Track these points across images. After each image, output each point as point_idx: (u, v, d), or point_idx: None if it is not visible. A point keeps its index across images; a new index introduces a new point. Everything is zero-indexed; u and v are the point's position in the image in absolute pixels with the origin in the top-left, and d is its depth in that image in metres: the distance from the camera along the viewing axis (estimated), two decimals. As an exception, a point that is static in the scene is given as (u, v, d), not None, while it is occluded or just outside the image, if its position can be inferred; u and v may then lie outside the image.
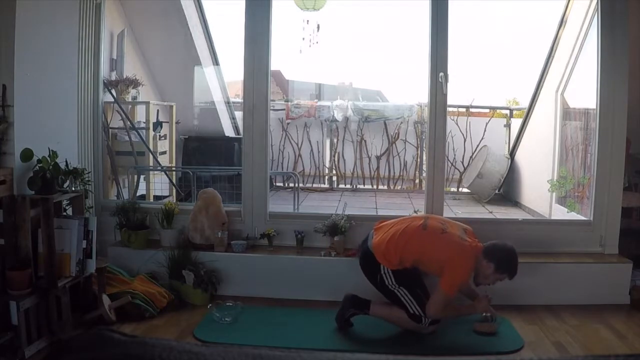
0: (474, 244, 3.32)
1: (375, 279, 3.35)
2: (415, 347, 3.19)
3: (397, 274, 3.29)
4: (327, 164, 8.06)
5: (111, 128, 5.47)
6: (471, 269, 3.28)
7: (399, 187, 7.87)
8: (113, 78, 5.68)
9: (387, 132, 7.84)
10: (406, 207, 6.41)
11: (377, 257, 3.32)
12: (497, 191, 7.17)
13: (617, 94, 4.00)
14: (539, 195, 6.05)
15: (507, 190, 7.27)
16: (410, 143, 7.81)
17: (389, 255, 3.29)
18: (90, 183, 3.83)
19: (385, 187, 7.89)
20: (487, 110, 7.84)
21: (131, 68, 6.02)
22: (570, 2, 5.53)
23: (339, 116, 7.75)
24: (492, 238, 4.10)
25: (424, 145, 7.25)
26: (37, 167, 3.26)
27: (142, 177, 5.77)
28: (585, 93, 4.74)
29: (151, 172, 5.81)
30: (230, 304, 3.55)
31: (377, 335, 3.37)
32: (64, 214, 3.42)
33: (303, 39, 5.96)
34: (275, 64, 4.30)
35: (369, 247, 3.41)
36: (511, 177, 7.09)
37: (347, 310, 3.39)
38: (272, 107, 4.93)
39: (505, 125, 7.67)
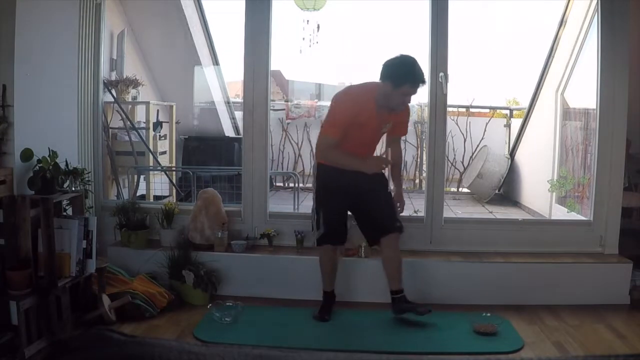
0: (358, 84, 3.40)
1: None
2: (416, 347, 3.19)
3: (319, 174, 3.44)
4: (327, 164, 8.05)
5: (111, 128, 5.48)
6: (345, 106, 3.29)
7: (399, 187, 7.86)
8: (113, 78, 5.68)
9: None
10: (406, 207, 6.39)
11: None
12: (497, 191, 7.17)
13: (617, 94, 4.00)
14: (539, 195, 6.05)
15: (507, 190, 7.27)
16: (410, 143, 7.80)
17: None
18: (90, 183, 3.83)
19: (385, 187, 7.87)
20: (487, 110, 7.84)
21: (131, 68, 6.02)
22: (570, 2, 5.53)
23: (339, 116, 7.74)
24: (493, 239, 4.14)
25: (424, 145, 7.24)
26: (37, 167, 3.26)
27: (142, 177, 5.77)
28: (585, 93, 4.74)
29: (151, 172, 5.81)
30: (230, 304, 3.55)
31: (377, 335, 3.37)
32: (64, 214, 3.42)
33: (303, 39, 5.96)
34: (275, 64, 4.30)
35: None
36: (511, 177, 7.09)
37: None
38: (272, 107, 4.92)
39: (505, 125, 7.66)
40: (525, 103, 7.15)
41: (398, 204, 3.63)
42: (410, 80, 3.20)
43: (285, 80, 8.86)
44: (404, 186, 8.12)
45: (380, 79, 3.27)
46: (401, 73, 3.20)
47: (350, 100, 3.29)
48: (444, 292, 3.82)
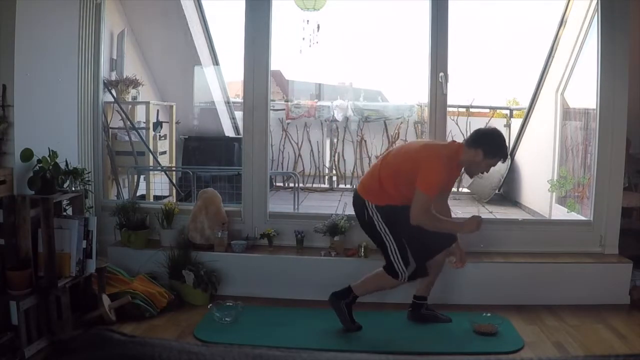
0: (447, 144, 3.39)
1: (364, 220, 3.38)
2: (416, 347, 3.19)
3: (383, 212, 3.29)
4: (327, 164, 8.05)
5: (111, 128, 5.47)
6: (445, 166, 3.25)
7: (399, 187, 7.86)
8: (113, 78, 5.68)
9: (387, 132, 7.83)
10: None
11: (361, 194, 3.39)
12: (497, 191, 7.16)
13: (617, 94, 4.00)
14: (539, 195, 6.05)
15: (507, 190, 7.27)
16: (410, 143, 7.81)
17: (369, 185, 3.38)
18: (90, 183, 3.83)
19: (385, 187, 7.87)
20: (487, 110, 7.84)
21: (131, 68, 6.02)
22: (570, 2, 5.53)
23: (339, 116, 7.75)
24: (493, 239, 4.13)
25: (424, 145, 7.23)
26: (37, 167, 3.26)
27: (142, 177, 5.77)
28: (585, 93, 4.74)
29: (151, 172, 5.81)
30: (230, 304, 3.55)
31: (377, 335, 3.37)
32: (64, 214, 3.42)
33: (303, 39, 5.96)
34: (275, 64, 4.31)
35: (356, 191, 3.48)
36: (511, 177, 7.08)
37: (340, 308, 3.37)
38: (272, 107, 4.92)
39: (505, 125, 7.66)
40: (525, 103, 7.15)
41: (460, 258, 3.50)
42: (502, 155, 3.33)
43: (285, 80, 8.86)
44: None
45: (471, 145, 3.29)
46: (497, 147, 3.30)
47: (448, 165, 3.28)
48: (444, 292, 3.82)
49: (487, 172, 3.43)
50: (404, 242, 3.29)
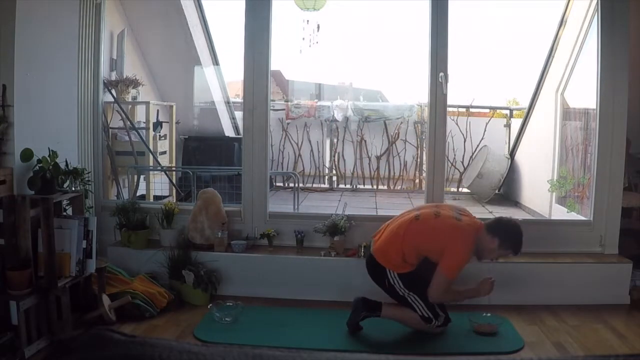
0: (471, 222, 3.34)
1: (384, 285, 3.35)
2: (416, 347, 3.19)
3: (405, 278, 3.28)
4: (327, 164, 8.06)
5: (111, 128, 5.48)
6: (471, 249, 3.26)
7: (399, 187, 7.87)
8: (113, 78, 5.68)
9: (387, 132, 7.84)
10: (406, 207, 6.38)
11: (381, 261, 3.34)
12: (497, 191, 7.16)
13: (617, 94, 4.00)
14: (539, 195, 6.05)
15: (507, 190, 7.27)
16: (410, 143, 7.81)
17: (391, 255, 3.31)
18: (90, 183, 3.83)
19: (385, 187, 7.89)
20: (487, 110, 7.84)
21: (131, 68, 6.02)
22: (570, 2, 5.53)
23: (339, 116, 7.76)
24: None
25: (424, 145, 7.25)
26: (37, 167, 3.26)
27: (142, 177, 5.77)
28: (585, 93, 4.74)
29: (151, 172, 5.81)
30: (230, 304, 3.55)
31: (377, 335, 3.37)
32: (64, 214, 3.42)
33: (303, 39, 5.96)
34: (275, 64, 4.31)
35: (371, 254, 3.43)
36: (511, 177, 7.09)
37: (358, 314, 3.35)
38: (272, 107, 4.92)
39: (505, 125, 7.67)
40: (525, 103, 7.15)
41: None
42: (516, 250, 3.33)
43: (285, 80, 8.87)
44: (403, 187, 8.18)
45: (489, 231, 3.29)
46: (514, 241, 3.30)
47: (472, 246, 3.29)
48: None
49: (495, 260, 3.41)
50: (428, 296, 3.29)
